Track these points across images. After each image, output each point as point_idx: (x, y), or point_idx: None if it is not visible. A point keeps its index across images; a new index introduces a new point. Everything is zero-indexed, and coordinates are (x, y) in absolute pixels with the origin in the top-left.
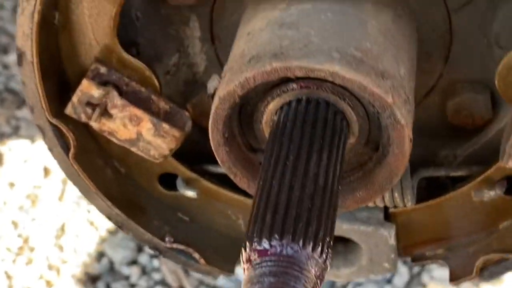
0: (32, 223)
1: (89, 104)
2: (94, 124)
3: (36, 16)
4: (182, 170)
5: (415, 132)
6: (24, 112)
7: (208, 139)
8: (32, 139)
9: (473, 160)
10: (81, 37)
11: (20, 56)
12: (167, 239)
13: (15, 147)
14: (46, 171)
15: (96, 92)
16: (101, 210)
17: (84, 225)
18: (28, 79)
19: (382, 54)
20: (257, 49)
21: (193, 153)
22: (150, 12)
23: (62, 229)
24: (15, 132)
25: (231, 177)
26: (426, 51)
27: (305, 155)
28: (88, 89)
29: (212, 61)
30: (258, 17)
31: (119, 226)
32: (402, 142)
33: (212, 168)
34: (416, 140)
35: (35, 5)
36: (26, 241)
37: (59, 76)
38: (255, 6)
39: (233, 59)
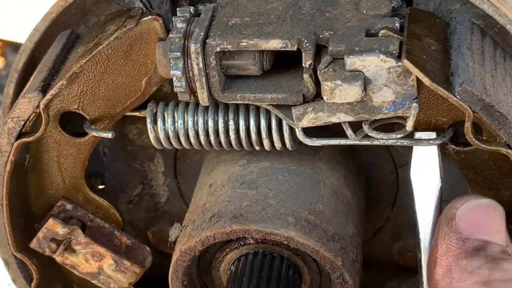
0: None
1: (53, 240)
2: (57, 258)
3: (8, 166)
4: None
5: (364, 266)
6: None
7: (167, 262)
8: None
9: None
10: (49, 177)
11: None
12: None
13: None
14: None
15: (61, 230)
16: None
17: None
18: None
19: (334, 215)
20: (218, 206)
21: (153, 275)
22: (117, 148)
23: None
24: None
25: None
26: (375, 197)
27: None
28: (53, 227)
29: (173, 193)
30: (220, 169)
31: None
32: None
33: None
34: (364, 273)
35: (8, 156)
36: None
37: (25, 212)
38: (216, 155)
39: (195, 211)
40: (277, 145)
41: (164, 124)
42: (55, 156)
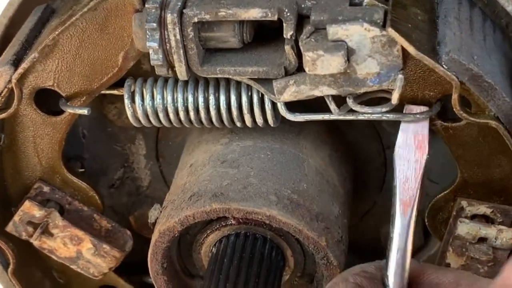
0: None
1: (30, 223)
2: (34, 242)
3: None
4: (121, 283)
5: (351, 250)
6: None
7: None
8: None
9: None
10: (25, 158)
11: None
12: None
13: None
14: None
15: (37, 212)
16: None
17: None
18: None
19: (318, 195)
20: (198, 185)
21: (135, 262)
22: (96, 130)
23: None
24: None
25: None
26: (362, 180)
27: None
28: (30, 209)
29: (156, 176)
30: (201, 148)
31: None
32: None
33: (151, 280)
34: (351, 257)
35: None
36: None
37: (1, 195)
38: (198, 134)
39: (175, 192)
40: (259, 121)
41: (142, 100)
42: (30, 136)
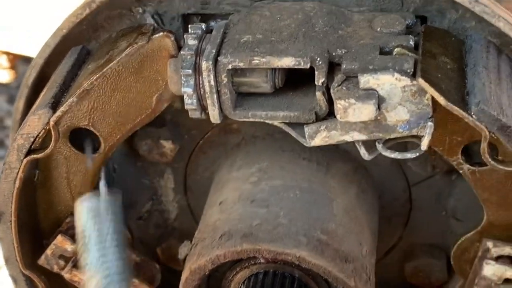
0: None
1: (62, 256)
2: (65, 275)
3: (17, 182)
4: None
5: (376, 286)
6: None
7: (176, 279)
8: None
9: None
10: (58, 194)
11: (0, 215)
12: None
13: None
14: None
15: (69, 246)
16: None
17: None
18: (5, 235)
19: (346, 235)
20: (229, 225)
21: None
22: (126, 164)
23: None
24: None
25: None
26: (387, 216)
27: None
28: (62, 243)
29: (183, 209)
30: (230, 187)
31: None
32: None
33: None
34: None
35: (17, 172)
36: None
37: (34, 228)
38: (227, 171)
39: (205, 229)
40: None
41: None
42: (64, 172)
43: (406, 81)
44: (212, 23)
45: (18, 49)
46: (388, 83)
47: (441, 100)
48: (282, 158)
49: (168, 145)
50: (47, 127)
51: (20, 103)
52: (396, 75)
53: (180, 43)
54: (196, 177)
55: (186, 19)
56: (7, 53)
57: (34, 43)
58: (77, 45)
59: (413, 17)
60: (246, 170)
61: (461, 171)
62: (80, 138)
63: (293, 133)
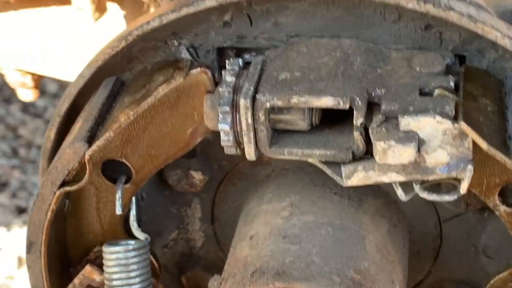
0: None
1: (89, 286)
2: None
3: (49, 214)
4: None
5: None
6: (1, 198)
7: None
8: (8, 226)
9: None
10: (88, 223)
11: (30, 245)
12: None
13: None
14: (20, 261)
15: (97, 277)
16: None
17: None
18: (34, 264)
19: (379, 273)
20: (260, 261)
21: None
22: (155, 193)
23: None
24: None
25: None
26: (417, 250)
27: None
28: (90, 273)
29: (209, 238)
30: (260, 220)
31: None
32: None
33: None
34: None
35: (50, 204)
36: None
37: (62, 257)
38: (257, 204)
39: (235, 264)
40: None
41: None
42: (94, 202)
43: (447, 124)
44: (247, 56)
45: (43, 70)
46: (429, 126)
47: (483, 145)
48: (313, 193)
49: (197, 176)
50: (82, 161)
51: (52, 132)
52: (438, 118)
53: (216, 77)
54: (223, 207)
55: (221, 52)
56: (32, 74)
57: (59, 63)
58: (110, 76)
59: (452, 56)
60: (276, 203)
61: (497, 212)
62: (111, 167)
63: (328, 171)
